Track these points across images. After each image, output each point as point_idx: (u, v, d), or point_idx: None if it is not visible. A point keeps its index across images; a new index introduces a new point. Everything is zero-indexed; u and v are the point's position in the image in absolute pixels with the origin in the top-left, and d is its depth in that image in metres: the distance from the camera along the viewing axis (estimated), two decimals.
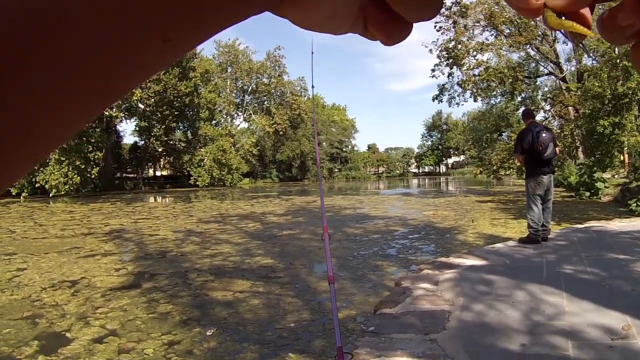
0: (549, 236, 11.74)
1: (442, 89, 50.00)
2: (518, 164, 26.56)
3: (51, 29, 0.28)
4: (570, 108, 41.31)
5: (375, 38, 0.49)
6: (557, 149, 11.70)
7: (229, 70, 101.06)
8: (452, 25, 44.32)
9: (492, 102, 53.15)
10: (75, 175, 55.98)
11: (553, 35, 44.96)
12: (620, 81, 29.99)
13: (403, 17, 0.44)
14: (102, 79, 0.32)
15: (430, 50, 46.52)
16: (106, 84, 0.32)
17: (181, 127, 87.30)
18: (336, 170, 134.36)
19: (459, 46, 44.22)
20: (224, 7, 0.35)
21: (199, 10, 0.33)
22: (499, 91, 48.99)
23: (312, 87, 6.19)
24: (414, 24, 0.46)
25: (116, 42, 0.30)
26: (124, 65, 0.32)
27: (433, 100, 51.63)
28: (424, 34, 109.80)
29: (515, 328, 5.57)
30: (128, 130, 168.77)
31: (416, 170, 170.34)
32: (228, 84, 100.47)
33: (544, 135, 11.23)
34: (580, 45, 0.50)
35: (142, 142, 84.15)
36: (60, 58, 0.29)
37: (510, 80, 43.03)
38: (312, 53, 6.08)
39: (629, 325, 5.38)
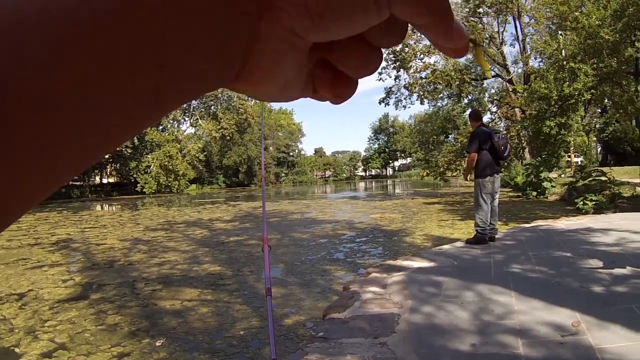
0: (496, 236, 11.84)
1: (389, 91, 50.32)
2: (464, 165, 26.93)
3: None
4: (517, 109, 41.87)
5: (325, 99, 0.50)
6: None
7: None
8: None
9: (438, 104, 53.66)
10: None
11: (500, 37, 45.48)
12: (567, 82, 30.35)
13: (348, 75, 0.46)
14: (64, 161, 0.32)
15: None
16: (66, 167, 0.33)
17: None
18: (283, 174, 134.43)
19: (406, 49, 44.47)
20: (182, 89, 0.36)
21: (159, 95, 0.34)
22: (445, 93, 49.45)
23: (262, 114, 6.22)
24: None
25: (84, 128, 0.31)
26: (86, 143, 0.32)
27: (380, 103, 52.09)
28: None
29: (465, 328, 5.61)
30: None
31: (363, 174, 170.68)
32: None
33: (501, 136, 11.42)
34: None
35: None
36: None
37: (457, 82, 43.45)
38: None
39: (578, 321, 5.45)
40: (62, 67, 0.28)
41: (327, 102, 0.49)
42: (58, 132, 0.30)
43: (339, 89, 0.47)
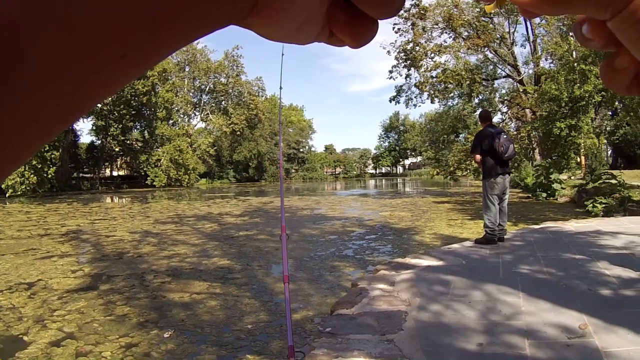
0: (505, 236, 11.81)
1: (399, 90, 50.05)
2: (475, 164, 26.74)
3: (8, 58, 0.28)
4: (527, 110, 41.59)
5: (342, 43, 0.49)
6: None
7: (186, 70, 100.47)
8: (410, 26, 44.47)
9: (449, 103, 53.26)
10: (32, 175, 55.46)
11: (511, 38, 45.33)
12: (577, 84, 30.29)
13: (368, 14, 0.44)
14: (61, 101, 0.32)
15: (388, 52, 46.63)
16: (66, 106, 0.32)
17: (138, 127, 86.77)
18: (293, 170, 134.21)
19: (417, 48, 44.34)
20: (183, 22, 0.35)
21: (156, 25, 0.33)
22: (456, 93, 49.13)
23: (280, 88, 6.21)
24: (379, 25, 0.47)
25: (75, 64, 0.30)
26: (83, 86, 0.32)
27: (390, 101, 51.70)
28: (383, 35, 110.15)
29: (472, 328, 5.61)
30: (85, 130, 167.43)
31: (373, 171, 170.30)
32: (186, 83, 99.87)
33: (504, 136, 11.35)
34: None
35: (99, 142, 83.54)
36: (19, 85, 0.29)
37: (468, 82, 43.23)
38: (282, 55, 6.12)
39: (585, 324, 5.45)
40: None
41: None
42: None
43: (358, 30, 0.46)
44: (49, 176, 58.85)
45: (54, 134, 0.34)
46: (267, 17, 0.40)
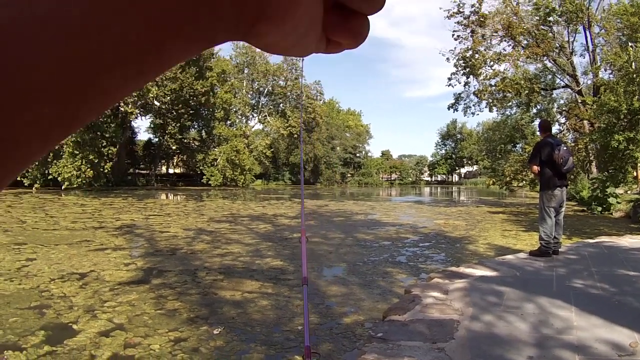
0: (559, 250, 11.65)
1: (458, 97, 49.81)
2: (532, 175, 26.45)
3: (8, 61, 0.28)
4: (585, 122, 41.11)
5: (340, 46, 0.50)
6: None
7: (245, 72, 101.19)
8: (470, 34, 44.27)
9: (507, 112, 52.99)
10: (88, 169, 56.33)
11: (570, 47, 44.86)
12: (637, 96, 29.84)
13: (359, 11, 0.45)
14: (64, 108, 0.32)
15: (448, 59, 46.45)
16: (69, 115, 0.32)
17: (196, 126, 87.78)
18: (349, 175, 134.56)
19: (476, 55, 44.10)
20: (187, 32, 0.35)
21: (159, 35, 0.33)
22: (514, 102, 48.80)
23: (301, 91, 6.17)
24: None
25: (74, 71, 0.30)
26: (82, 93, 0.32)
27: (448, 108, 51.48)
28: (442, 42, 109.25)
29: (524, 340, 5.52)
30: (143, 127, 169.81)
31: (429, 179, 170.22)
32: (244, 85, 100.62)
33: (564, 148, 11.17)
34: None
35: (157, 139, 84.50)
36: (17, 89, 0.29)
37: (527, 91, 42.87)
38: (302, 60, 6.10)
39: (636, 342, 5.34)
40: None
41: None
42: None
43: (353, 29, 0.47)
44: (105, 171, 59.82)
45: (52, 143, 0.34)
46: (274, 23, 0.41)
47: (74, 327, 6.95)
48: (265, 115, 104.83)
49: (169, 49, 0.35)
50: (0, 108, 0.29)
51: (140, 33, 0.32)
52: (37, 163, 54.56)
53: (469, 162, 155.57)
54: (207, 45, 0.39)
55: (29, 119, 0.30)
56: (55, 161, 55.65)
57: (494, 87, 44.67)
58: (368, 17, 0.46)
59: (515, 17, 42.80)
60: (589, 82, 47.19)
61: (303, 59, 6.21)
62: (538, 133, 13.07)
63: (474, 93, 47.27)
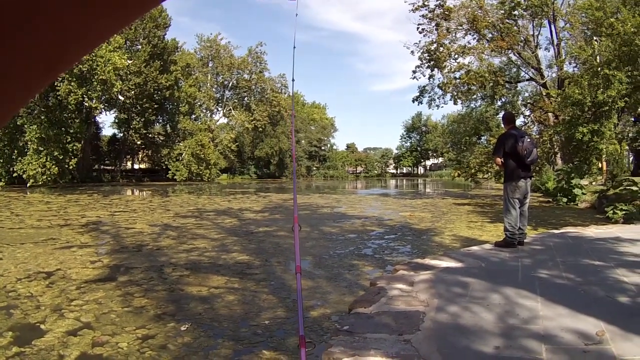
0: (525, 240, 11.75)
1: (422, 90, 49.89)
2: (496, 167, 26.72)
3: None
4: (550, 114, 41.38)
5: None
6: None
7: (210, 65, 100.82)
8: (434, 27, 44.40)
9: (472, 105, 53.15)
10: (53, 166, 56.13)
11: (535, 41, 45.13)
12: (601, 89, 30.15)
13: None
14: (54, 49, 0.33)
15: (412, 52, 46.55)
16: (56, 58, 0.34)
17: (160, 121, 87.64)
18: (314, 168, 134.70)
19: (441, 49, 44.24)
20: None
21: None
22: (479, 95, 49.03)
23: (293, 80, 6.24)
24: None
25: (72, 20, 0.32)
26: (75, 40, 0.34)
27: (413, 101, 51.61)
28: (407, 35, 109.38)
29: (490, 330, 5.57)
30: (107, 122, 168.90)
31: (394, 171, 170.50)
32: (209, 78, 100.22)
33: (528, 140, 11.26)
34: None
35: (121, 135, 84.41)
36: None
37: (491, 84, 43.15)
38: (294, 48, 6.16)
39: (603, 331, 5.40)
40: None
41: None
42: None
43: None
44: (70, 167, 59.59)
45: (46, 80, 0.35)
46: None
47: (42, 327, 6.92)
48: (230, 109, 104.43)
49: None
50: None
51: None
52: (1, 160, 54.31)
53: (434, 154, 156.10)
54: None
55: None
56: (20, 158, 55.34)
57: (458, 80, 44.85)
58: None
59: (480, 11, 43.02)
60: (554, 75, 47.46)
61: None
62: (502, 125, 13.17)
63: (438, 86, 47.46)
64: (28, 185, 55.30)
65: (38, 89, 0.37)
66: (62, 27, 0.33)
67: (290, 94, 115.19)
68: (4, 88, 0.34)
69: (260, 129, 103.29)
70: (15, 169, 55.53)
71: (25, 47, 0.32)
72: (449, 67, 45.22)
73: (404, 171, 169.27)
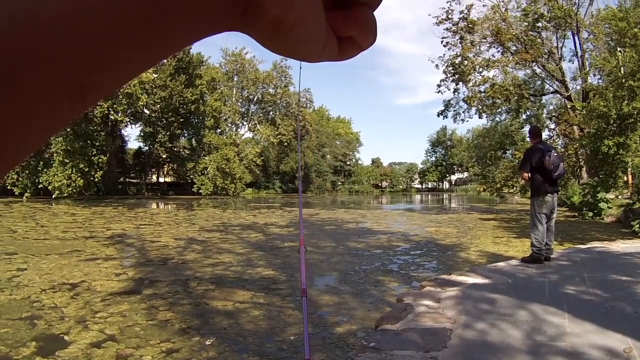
0: (551, 256, 11.66)
1: (447, 104, 49.79)
2: (522, 181, 26.51)
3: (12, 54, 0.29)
4: (575, 127, 41.11)
5: (353, 45, 0.47)
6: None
7: (235, 79, 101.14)
8: (458, 40, 44.26)
9: (497, 119, 52.89)
10: (79, 178, 56.38)
11: (559, 53, 44.91)
12: (626, 101, 29.90)
13: (362, 2, 0.43)
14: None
15: (437, 66, 46.39)
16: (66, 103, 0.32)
17: (186, 135, 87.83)
18: (339, 183, 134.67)
19: (465, 62, 44.09)
20: (180, 16, 0.34)
21: (153, 20, 0.32)
22: (504, 108, 48.75)
23: (299, 100, 6.25)
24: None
25: (77, 61, 0.31)
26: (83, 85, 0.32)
27: (438, 115, 51.50)
28: (430, 49, 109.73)
29: (517, 347, 5.52)
30: (133, 135, 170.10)
31: (419, 186, 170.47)
32: (234, 92, 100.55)
33: (554, 154, 11.17)
34: None
35: (147, 148, 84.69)
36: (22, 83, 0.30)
37: (516, 97, 42.90)
38: (300, 68, 6.27)
39: (630, 347, 5.34)
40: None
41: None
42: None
43: (359, 18, 0.43)
44: (96, 180, 59.84)
45: (61, 124, 0.34)
46: (272, 15, 0.38)
47: (66, 338, 6.92)
48: (255, 124, 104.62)
49: (166, 33, 0.34)
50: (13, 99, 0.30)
51: (135, 16, 0.31)
52: (27, 171, 54.69)
53: (459, 169, 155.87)
54: (207, 28, 0.37)
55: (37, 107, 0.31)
56: (45, 170, 55.70)
57: (483, 94, 44.64)
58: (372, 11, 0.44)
59: (503, 24, 42.85)
60: (578, 87, 47.10)
61: (300, 67, 6.31)
62: (528, 139, 13.08)
63: (463, 100, 47.29)
64: (53, 196, 55.56)
65: (72, 117, 0.35)
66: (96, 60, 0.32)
67: (316, 109, 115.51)
68: (38, 114, 0.32)
69: (286, 144, 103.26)
70: (40, 181, 55.79)
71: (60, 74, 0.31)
72: (473, 81, 45.07)
73: (429, 186, 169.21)
